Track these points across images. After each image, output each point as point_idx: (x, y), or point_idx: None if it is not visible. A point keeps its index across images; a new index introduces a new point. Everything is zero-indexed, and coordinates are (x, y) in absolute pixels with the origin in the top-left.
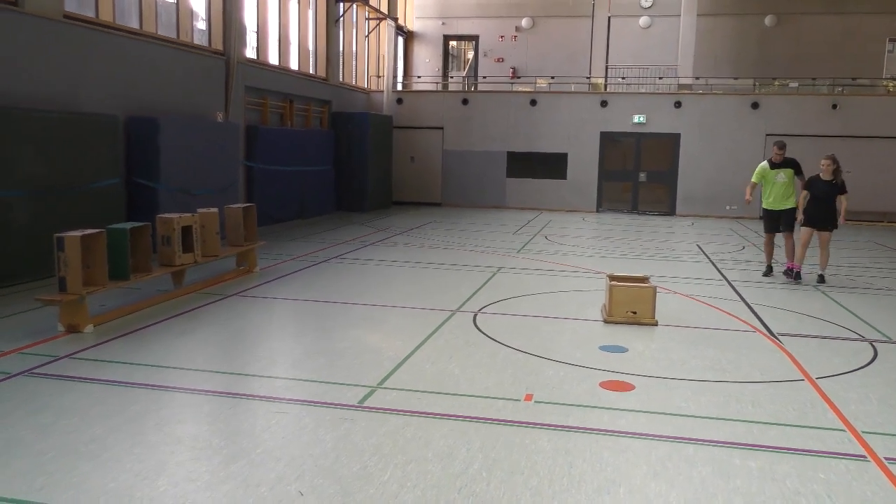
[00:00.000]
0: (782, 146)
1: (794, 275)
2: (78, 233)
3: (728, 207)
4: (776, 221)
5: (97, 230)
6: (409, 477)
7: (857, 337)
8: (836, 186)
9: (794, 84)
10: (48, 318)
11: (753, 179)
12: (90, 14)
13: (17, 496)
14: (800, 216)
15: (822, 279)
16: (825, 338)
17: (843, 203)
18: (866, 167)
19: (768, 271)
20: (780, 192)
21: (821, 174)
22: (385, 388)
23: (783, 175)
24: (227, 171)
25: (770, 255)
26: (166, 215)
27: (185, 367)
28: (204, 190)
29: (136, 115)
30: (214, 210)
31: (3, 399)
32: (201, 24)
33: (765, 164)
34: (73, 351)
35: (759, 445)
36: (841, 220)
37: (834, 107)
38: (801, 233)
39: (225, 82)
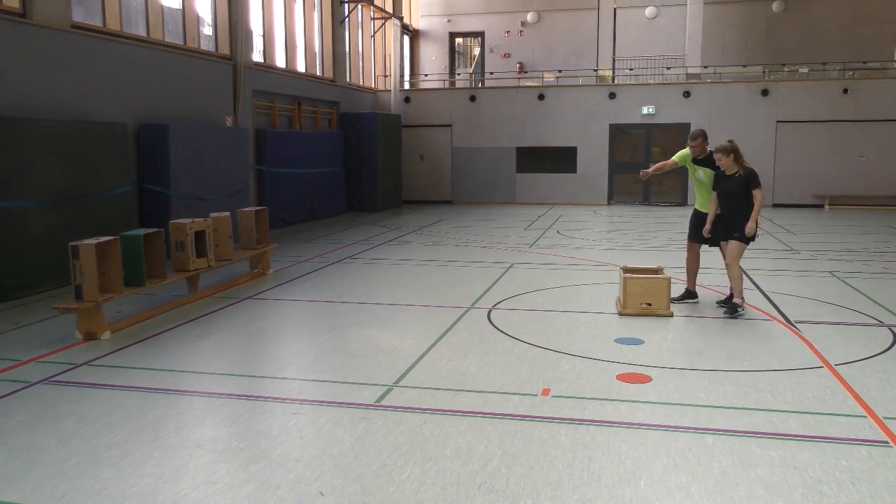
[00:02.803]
0: (696, 136)
1: (727, 304)
2: (93, 240)
3: None
4: (702, 230)
5: (111, 237)
6: (429, 474)
7: (876, 322)
8: (743, 179)
9: (803, 70)
10: (65, 325)
11: (674, 158)
12: (97, 23)
13: None
14: (708, 226)
15: (733, 310)
16: (843, 324)
17: (757, 200)
18: (878, 151)
19: (685, 296)
20: (703, 194)
21: (724, 170)
22: (401, 387)
23: (702, 174)
24: (237, 175)
25: (693, 273)
26: (179, 221)
27: (203, 370)
28: (215, 195)
29: (145, 123)
30: (227, 214)
31: (24, 407)
32: (208, 30)
33: (686, 150)
34: (91, 358)
35: (780, 434)
36: (750, 225)
37: (845, 91)
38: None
39: (233, 87)
